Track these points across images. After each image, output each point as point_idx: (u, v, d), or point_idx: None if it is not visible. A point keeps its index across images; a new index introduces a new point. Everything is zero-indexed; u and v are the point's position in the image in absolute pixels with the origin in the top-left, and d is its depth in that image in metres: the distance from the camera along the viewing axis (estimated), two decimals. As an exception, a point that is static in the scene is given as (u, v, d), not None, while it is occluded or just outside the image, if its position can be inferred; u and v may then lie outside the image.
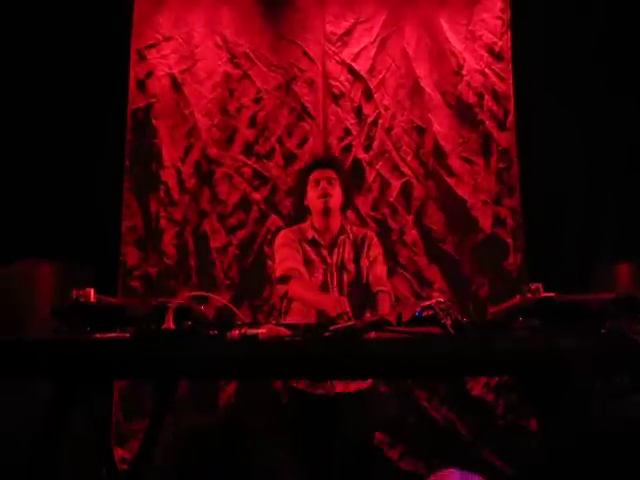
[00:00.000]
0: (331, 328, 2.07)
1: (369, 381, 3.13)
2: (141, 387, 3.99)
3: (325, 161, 3.52)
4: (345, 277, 3.16)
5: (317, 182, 3.21)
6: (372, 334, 2.01)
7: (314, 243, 3.20)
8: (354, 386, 3.07)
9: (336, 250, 3.19)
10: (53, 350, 1.90)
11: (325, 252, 3.19)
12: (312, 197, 3.23)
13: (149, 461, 2.57)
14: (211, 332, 2.15)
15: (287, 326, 2.04)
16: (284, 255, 3.17)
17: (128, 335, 2.09)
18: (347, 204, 3.36)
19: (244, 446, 2.95)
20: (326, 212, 3.20)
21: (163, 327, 2.09)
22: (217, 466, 3.68)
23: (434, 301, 2.12)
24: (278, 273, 3.13)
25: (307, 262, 3.16)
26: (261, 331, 2.00)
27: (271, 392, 4.01)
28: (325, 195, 3.17)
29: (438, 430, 4.06)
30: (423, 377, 3.73)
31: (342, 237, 3.22)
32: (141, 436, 3.91)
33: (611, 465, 2.75)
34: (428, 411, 4.07)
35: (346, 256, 3.19)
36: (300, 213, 4.01)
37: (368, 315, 2.80)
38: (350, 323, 2.11)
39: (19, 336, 2.13)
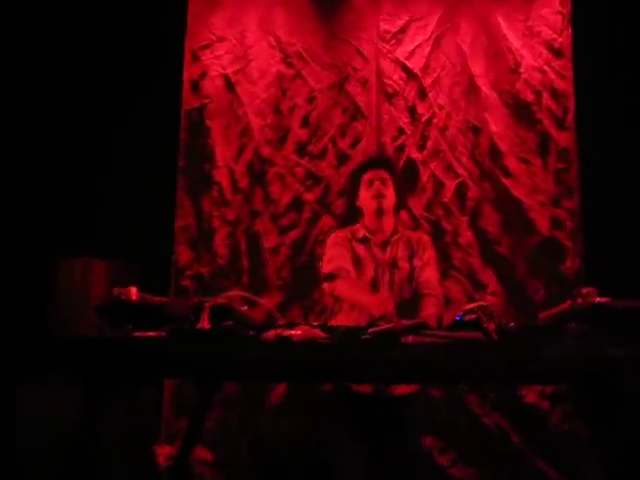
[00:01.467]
0: (369, 331, 2.02)
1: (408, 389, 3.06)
2: (190, 387, 3.99)
3: (378, 161, 3.48)
4: (397, 275, 3.11)
5: (370, 182, 3.19)
6: (410, 338, 1.95)
7: (365, 241, 3.18)
8: (401, 389, 3.00)
9: (389, 248, 3.17)
10: (84, 349, 1.89)
11: (376, 249, 3.16)
12: (365, 197, 3.21)
13: (189, 458, 2.56)
14: (249, 333, 2.13)
15: (325, 328, 1.99)
16: (333, 254, 3.17)
17: (164, 334, 2.08)
18: (400, 205, 3.32)
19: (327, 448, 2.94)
20: (379, 212, 3.18)
21: (198, 326, 2.08)
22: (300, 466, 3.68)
23: (477, 305, 2.04)
24: (326, 271, 3.13)
25: (356, 260, 3.14)
26: (296, 333, 1.96)
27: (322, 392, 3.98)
28: (379, 196, 3.15)
29: (490, 437, 3.94)
30: (457, 383, 3.62)
31: (396, 236, 3.19)
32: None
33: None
34: (480, 417, 3.96)
35: (399, 254, 3.15)
36: (351, 214, 4.00)
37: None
38: (389, 326, 2.04)
39: (54, 334, 2.13)
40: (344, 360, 1.78)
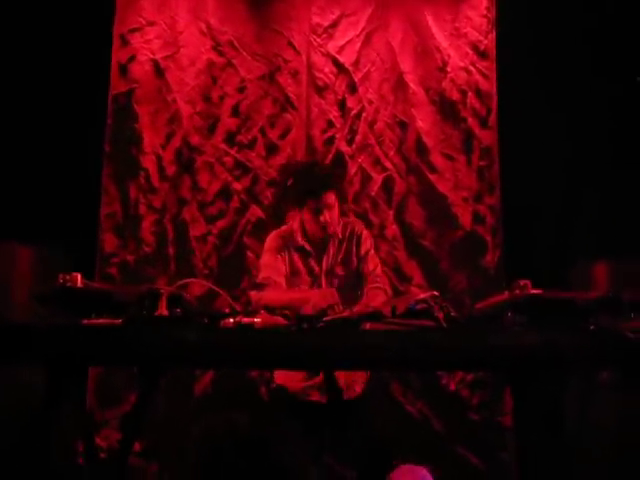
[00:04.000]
0: (325, 319, 2.08)
1: (358, 390, 3.10)
2: (115, 375, 3.96)
3: (325, 184, 3.07)
4: (335, 282, 3.11)
5: (317, 212, 3.04)
6: (367, 325, 2.02)
7: (302, 251, 3.15)
8: (347, 395, 3.02)
9: (325, 257, 3.14)
10: (45, 337, 1.87)
11: (313, 262, 3.14)
12: (311, 223, 3.08)
13: (131, 449, 2.55)
14: (203, 320, 2.15)
15: (286, 316, 2.04)
16: (266, 261, 3.13)
17: (119, 322, 2.08)
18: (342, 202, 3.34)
19: (276, 445, 2.92)
20: (325, 238, 3.12)
21: (155, 314, 2.09)
22: (248, 465, 3.66)
23: (429, 295, 2.14)
24: (257, 279, 3.12)
25: (293, 271, 3.11)
26: (257, 320, 2.00)
27: (248, 384, 4.03)
28: (326, 226, 3.06)
29: (413, 425, 4.08)
30: (416, 369, 3.74)
31: (330, 241, 3.15)
32: (114, 424, 3.96)
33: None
34: (404, 405, 4.10)
35: (337, 259, 3.15)
36: (280, 206, 4.07)
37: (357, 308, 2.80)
38: (344, 314, 2.12)
39: (6, 321, 2.09)
40: (310, 347, 1.83)
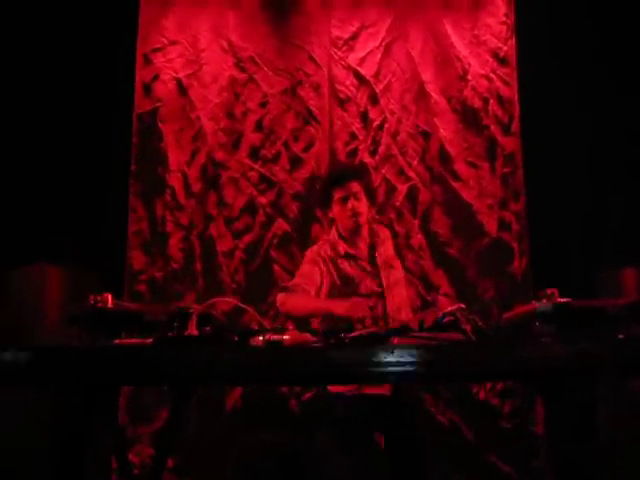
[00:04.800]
0: (350, 335, 2.09)
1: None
2: (146, 392, 4.00)
3: (348, 174, 3.31)
4: (391, 275, 3.17)
5: (344, 200, 3.15)
6: (395, 340, 2.04)
7: (349, 257, 3.18)
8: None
9: (377, 253, 3.18)
10: (78, 359, 1.89)
11: (364, 263, 3.18)
12: (341, 216, 3.19)
13: (164, 466, 2.58)
14: (234, 338, 2.18)
15: (314, 332, 2.06)
16: (302, 271, 3.17)
17: (150, 341, 2.11)
18: (372, 205, 3.39)
19: (312, 465, 2.93)
20: (357, 229, 3.18)
21: (186, 333, 2.11)
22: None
23: (456, 307, 2.15)
24: (287, 283, 3.17)
25: (345, 277, 3.12)
26: (285, 337, 2.02)
27: (278, 398, 4.05)
28: (354, 214, 3.13)
29: (444, 434, 4.08)
30: (445, 383, 3.74)
31: (375, 239, 3.22)
32: (146, 440, 4.00)
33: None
34: (434, 415, 4.09)
35: (390, 253, 3.23)
36: (307, 219, 4.10)
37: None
38: (372, 330, 2.13)
39: (42, 345, 2.13)
40: (340, 364, 1.85)
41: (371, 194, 3.33)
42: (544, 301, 2.32)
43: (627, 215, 4.20)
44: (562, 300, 2.29)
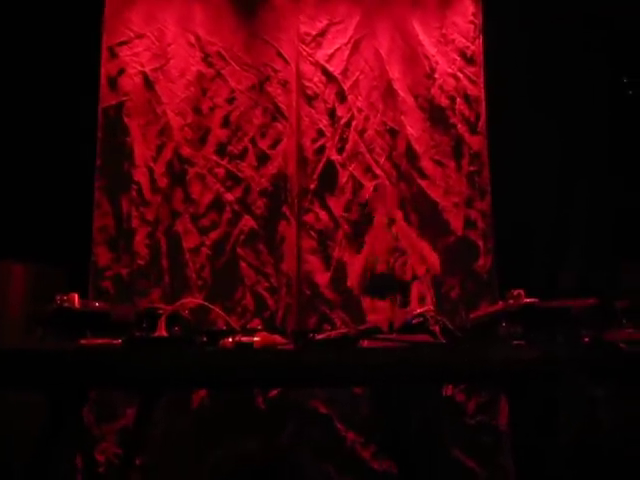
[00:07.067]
0: (320, 337, 2.11)
1: None
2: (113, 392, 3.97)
3: None
4: None
5: None
6: (365, 342, 2.06)
7: None
8: None
9: None
10: (44, 360, 1.88)
11: None
12: None
13: (132, 465, 2.57)
14: (202, 339, 2.18)
15: (284, 333, 2.06)
16: None
17: (118, 342, 2.10)
18: None
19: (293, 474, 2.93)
20: None
21: (155, 335, 2.11)
22: None
23: (425, 309, 2.18)
24: None
25: None
26: (255, 339, 2.03)
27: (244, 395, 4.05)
28: None
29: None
30: (413, 384, 3.77)
31: None
32: (112, 439, 3.97)
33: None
34: (400, 412, 4.13)
35: None
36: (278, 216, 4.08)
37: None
38: (342, 331, 2.15)
39: (5, 346, 2.10)
40: (306, 365, 1.86)
41: None
42: (510, 301, 2.36)
43: (592, 214, 4.27)
44: (528, 301, 2.33)
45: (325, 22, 4.52)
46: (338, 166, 4.41)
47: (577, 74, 4.34)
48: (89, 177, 4.24)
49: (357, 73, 4.50)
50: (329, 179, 4.38)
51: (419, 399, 2.96)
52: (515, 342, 2.09)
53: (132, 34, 4.39)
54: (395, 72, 4.51)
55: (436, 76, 4.52)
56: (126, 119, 4.32)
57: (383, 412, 2.97)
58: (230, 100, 4.42)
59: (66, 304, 2.27)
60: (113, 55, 4.36)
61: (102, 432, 3.95)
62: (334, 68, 4.48)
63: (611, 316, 2.33)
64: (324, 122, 4.44)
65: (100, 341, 2.16)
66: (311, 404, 3.98)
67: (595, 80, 4.32)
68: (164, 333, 2.09)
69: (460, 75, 4.53)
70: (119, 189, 4.28)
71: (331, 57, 4.49)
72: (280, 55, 4.45)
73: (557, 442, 2.08)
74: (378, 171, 4.43)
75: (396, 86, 4.49)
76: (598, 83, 4.32)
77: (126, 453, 2.60)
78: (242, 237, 4.30)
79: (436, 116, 4.50)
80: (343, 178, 4.40)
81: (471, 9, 4.58)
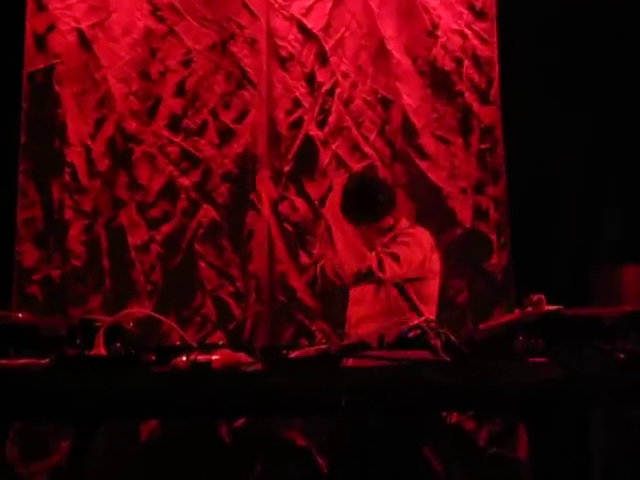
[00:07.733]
0: (295, 354, 2.08)
1: None
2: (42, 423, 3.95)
3: None
4: None
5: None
6: (349, 361, 2.04)
7: None
8: None
9: None
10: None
11: None
12: None
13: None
14: (149, 358, 2.16)
15: (251, 350, 2.05)
16: None
17: (46, 362, 2.07)
18: None
19: None
20: None
21: (91, 353, 2.08)
22: None
23: (422, 320, 2.16)
24: None
25: None
26: (214, 357, 2.01)
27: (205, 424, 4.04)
28: None
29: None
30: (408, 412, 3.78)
31: None
32: (41, 478, 3.96)
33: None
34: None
35: None
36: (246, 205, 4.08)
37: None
38: (322, 348, 2.13)
39: None
40: (276, 391, 1.84)
41: None
42: (529, 309, 2.35)
43: (628, 201, 4.28)
44: (551, 308, 2.32)
45: (302, -33, 4.51)
46: (318, 144, 4.41)
47: (607, 34, 4.34)
48: (11, 158, 4.22)
49: (342, 30, 4.48)
50: (308, 160, 4.38)
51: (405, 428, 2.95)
52: (535, 359, 2.08)
53: (64, -20, 4.36)
54: (388, 29, 4.50)
55: (439, 33, 4.51)
56: (57, 87, 4.30)
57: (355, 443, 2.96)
58: (185, 63, 4.40)
59: (-18, 316, 2.25)
60: (41, 8, 4.33)
61: (29, 471, 3.95)
62: (313, 24, 4.47)
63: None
64: (301, 90, 4.43)
65: (24, 361, 2.14)
66: (286, 435, 3.99)
67: (629, 40, 4.32)
68: (102, 351, 2.06)
69: (468, 32, 4.54)
70: (49, 173, 4.27)
71: (309, 10, 4.48)
72: (246, 7, 4.44)
73: (589, 478, 2.07)
74: (368, 150, 4.43)
75: (389, 46, 4.49)
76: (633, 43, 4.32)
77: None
78: (201, 231, 4.29)
79: (439, 82, 4.51)
80: (325, 159, 4.40)
81: (481, -48, 4.58)
